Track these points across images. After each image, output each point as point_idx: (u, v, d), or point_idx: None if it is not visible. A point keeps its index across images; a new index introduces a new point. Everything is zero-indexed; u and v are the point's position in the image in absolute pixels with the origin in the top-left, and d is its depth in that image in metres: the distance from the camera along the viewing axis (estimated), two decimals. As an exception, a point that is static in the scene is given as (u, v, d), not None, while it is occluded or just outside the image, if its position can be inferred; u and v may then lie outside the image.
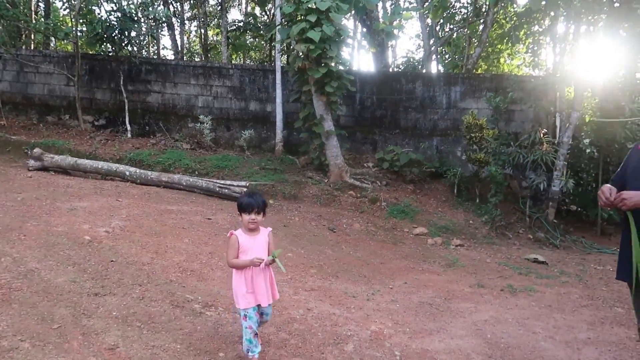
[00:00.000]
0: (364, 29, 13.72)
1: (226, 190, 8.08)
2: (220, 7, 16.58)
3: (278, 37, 10.38)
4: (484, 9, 14.91)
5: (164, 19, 12.93)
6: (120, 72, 11.46)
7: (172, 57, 16.74)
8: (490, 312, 4.62)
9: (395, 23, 12.65)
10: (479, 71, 16.41)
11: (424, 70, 15.38)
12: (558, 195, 9.27)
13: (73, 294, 3.66)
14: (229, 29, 16.47)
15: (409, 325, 4.15)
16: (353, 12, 11.33)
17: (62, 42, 16.28)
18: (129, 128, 11.40)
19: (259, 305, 3.12)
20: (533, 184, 9.22)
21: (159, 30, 15.50)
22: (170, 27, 16.33)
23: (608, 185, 2.58)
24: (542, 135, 9.24)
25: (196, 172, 9.45)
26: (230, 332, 3.53)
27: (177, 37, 17.37)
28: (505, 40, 15.43)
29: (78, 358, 2.85)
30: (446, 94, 11.32)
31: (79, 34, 11.95)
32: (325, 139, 9.64)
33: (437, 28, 17.23)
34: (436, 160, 10.86)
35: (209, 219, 6.57)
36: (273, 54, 15.47)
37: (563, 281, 5.97)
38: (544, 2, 9.66)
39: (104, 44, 11.51)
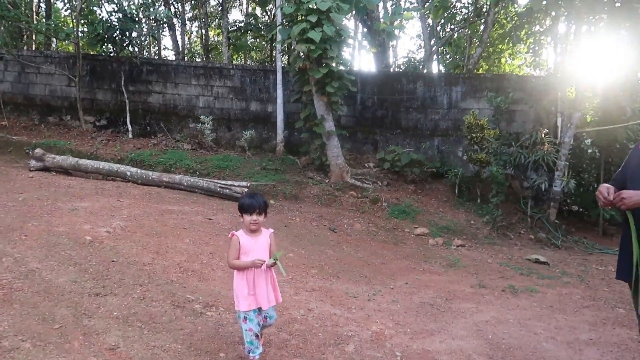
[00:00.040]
0: (365, 29, 13.72)
1: (227, 191, 8.08)
2: (221, 7, 16.61)
3: (279, 37, 10.38)
4: (484, 9, 14.91)
5: (164, 19, 12.93)
6: (121, 72, 11.47)
7: (173, 58, 16.75)
8: (492, 312, 4.62)
9: (396, 23, 12.64)
10: (480, 71, 16.42)
11: (425, 71, 15.36)
12: (559, 196, 9.26)
13: (74, 294, 3.66)
14: (230, 30, 16.47)
15: (410, 325, 4.14)
16: (354, 12, 11.34)
17: (64, 43, 16.30)
18: (130, 128, 11.41)
19: (260, 308, 3.08)
20: (534, 184, 9.21)
21: (160, 31, 15.50)
22: (171, 28, 16.35)
23: (606, 184, 2.58)
24: (543, 135, 9.23)
25: (197, 173, 9.45)
26: (231, 332, 3.52)
27: (178, 38, 17.39)
28: (506, 40, 15.42)
29: (79, 358, 2.85)
30: (447, 94, 11.31)
31: (80, 34, 11.96)
32: (326, 139, 9.64)
33: (438, 28, 17.23)
34: (437, 161, 10.85)
35: (209, 219, 6.57)
36: (274, 54, 15.48)
37: (565, 282, 5.96)
38: (545, 2, 9.65)
39: (105, 44, 11.52)
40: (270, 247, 3.15)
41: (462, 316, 4.48)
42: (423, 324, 4.22)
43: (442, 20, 16.46)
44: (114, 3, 11.43)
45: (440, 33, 17.36)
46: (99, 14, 12.37)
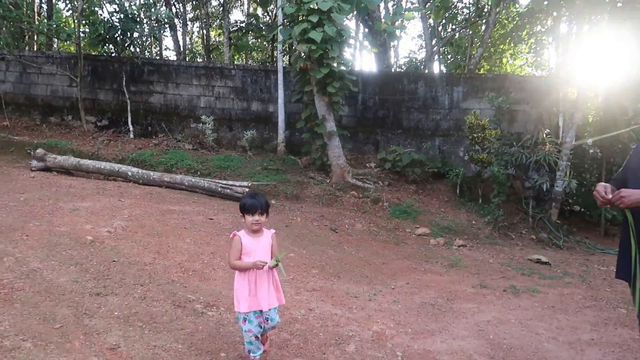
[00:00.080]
0: (366, 30, 13.72)
1: (228, 191, 8.08)
2: (222, 8, 16.62)
3: (280, 37, 10.38)
4: (486, 9, 14.91)
5: (166, 19, 12.94)
6: (122, 72, 11.49)
7: (175, 58, 16.76)
8: (493, 312, 4.61)
9: (397, 23, 12.62)
10: (482, 71, 16.40)
11: (426, 71, 15.36)
12: (561, 196, 9.24)
13: (75, 293, 3.66)
14: (231, 30, 16.49)
15: (411, 325, 4.13)
16: (355, 12, 11.34)
17: (65, 43, 16.31)
18: (131, 128, 11.42)
19: (260, 310, 3.04)
20: (536, 185, 9.19)
21: (162, 31, 15.51)
22: (173, 28, 16.36)
23: (602, 183, 2.58)
24: (544, 135, 9.22)
25: (198, 173, 9.45)
26: (232, 332, 3.52)
27: (180, 38, 17.41)
28: (507, 41, 15.41)
29: (80, 358, 2.85)
30: (448, 94, 11.31)
31: (81, 35, 11.99)
32: (327, 139, 9.64)
33: (439, 28, 17.22)
34: (438, 161, 10.85)
35: (211, 219, 6.57)
36: (275, 54, 15.49)
37: (566, 282, 5.95)
38: (546, 2, 9.65)
39: (107, 45, 11.54)
40: (272, 248, 3.12)
41: (463, 316, 4.47)
42: (424, 324, 4.21)
43: (444, 21, 16.46)
44: (116, 3, 11.45)
45: (442, 33, 17.36)
46: (101, 15, 12.39)
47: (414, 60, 20.02)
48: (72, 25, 14.65)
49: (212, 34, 20.18)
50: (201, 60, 18.73)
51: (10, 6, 10.66)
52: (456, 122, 11.14)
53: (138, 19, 11.42)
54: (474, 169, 10.13)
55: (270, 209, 3.24)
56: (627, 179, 2.62)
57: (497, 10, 13.37)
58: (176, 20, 16.72)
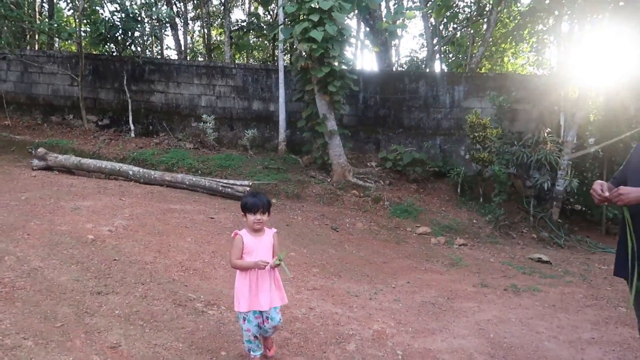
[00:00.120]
0: (367, 29, 13.71)
1: (229, 190, 8.09)
2: (223, 7, 16.62)
3: (281, 36, 10.39)
4: (487, 8, 14.88)
5: (167, 19, 12.95)
6: (123, 72, 11.49)
7: (176, 57, 16.77)
8: (494, 311, 4.61)
9: (398, 22, 12.62)
10: (483, 70, 16.39)
11: (428, 70, 15.34)
12: (562, 195, 9.24)
13: (76, 292, 3.67)
14: (232, 29, 16.49)
15: (411, 324, 4.14)
16: (356, 11, 11.32)
17: (66, 43, 16.33)
18: (132, 128, 11.43)
19: (260, 311, 3.01)
20: (537, 184, 9.18)
21: (163, 31, 15.52)
22: (174, 27, 16.36)
23: (599, 181, 2.58)
24: (546, 134, 9.21)
25: (199, 172, 9.46)
26: (232, 330, 3.53)
27: (181, 37, 17.41)
28: (509, 39, 15.41)
29: (81, 356, 2.86)
30: (449, 93, 11.30)
31: (82, 34, 11.99)
32: (328, 138, 9.64)
33: (441, 27, 17.19)
34: (439, 160, 10.84)
35: (211, 218, 6.57)
36: (276, 53, 15.49)
37: (567, 281, 5.95)
38: (547, 1, 9.64)
39: (108, 44, 11.55)
40: (273, 247, 3.10)
41: (463, 315, 4.47)
42: (425, 323, 4.22)
43: (445, 20, 16.44)
44: (117, 3, 11.45)
45: (443, 32, 17.33)
46: (102, 14, 12.40)
47: (415, 59, 19.99)
48: (73, 25, 14.65)
49: (213, 33, 20.19)
50: (202, 59, 18.74)
51: (12, 5, 10.68)
52: (457, 121, 11.13)
53: (139, 18, 11.42)
54: (475, 168, 10.13)
55: (271, 208, 3.23)
56: (627, 177, 2.62)
57: (499, 9, 13.36)
58: (177, 20, 16.74)
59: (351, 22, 16.54)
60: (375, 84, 11.52)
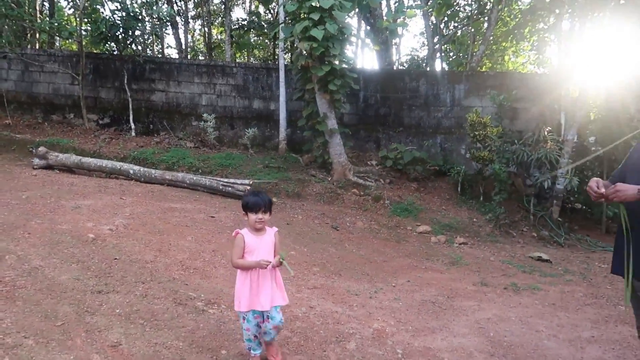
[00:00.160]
0: (368, 27, 13.70)
1: (230, 189, 8.09)
2: (224, 5, 16.61)
3: (281, 35, 10.38)
4: (488, 7, 14.86)
5: (167, 17, 12.95)
6: (124, 71, 11.50)
7: (176, 56, 16.78)
8: (494, 310, 4.61)
9: (399, 21, 12.61)
10: (483, 69, 16.37)
11: (428, 68, 15.33)
12: (562, 194, 9.23)
13: (76, 291, 3.68)
14: (232, 28, 16.48)
15: (411, 323, 4.14)
16: (356, 10, 11.31)
17: (67, 42, 16.34)
18: (133, 126, 11.44)
19: (260, 311, 3.00)
20: (537, 182, 9.18)
21: (163, 29, 15.52)
22: (174, 26, 16.36)
23: (595, 178, 2.60)
24: (546, 133, 9.21)
25: (200, 171, 9.47)
26: (233, 329, 3.53)
27: (181, 36, 17.41)
28: (509, 38, 15.39)
29: (81, 355, 2.87)
30: (450, 91, 11.29)
31: (83, 33, 11.99)
32: (329, 137, 9.65)
33: (441, 26, 17.17)
34: (440, 158, 10.84)
35: (212, 217, 6.58)
36: (277, 52, 15.48)
37: (567, 279, 5.95)
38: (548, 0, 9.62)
39: (108, 43, 11.56)
40: (275, 246, 3.09)
41: (463, 314, 4.48)
42: (425, 321, 4.22)
43: (445, 18, 16.41)
44: (117, 1, 11.44)
45: (444, 31, 17.31)
46: (102, 13, 12.40)
47: (415, 57, 19.99)
48: (74, 24, 14.66)
49: (214, 31, 20.18)
50: (203, 58, 18.74)
51: (12, 4, 10.68)
52: (458, 119, 11.13)
53: (140, 17, 11.42)
54: (475, 167, 10.13)
55: (272, 207, 3.22)
56: (626, 175, 2.63)
57: (499, 7, 13.34)
58: (178, 18, 16.73)
59: (352, 20, 16.55)
60: (375, 83, 11.51)
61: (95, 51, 12.75)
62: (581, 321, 4.42)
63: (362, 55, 20.19)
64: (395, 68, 15.54)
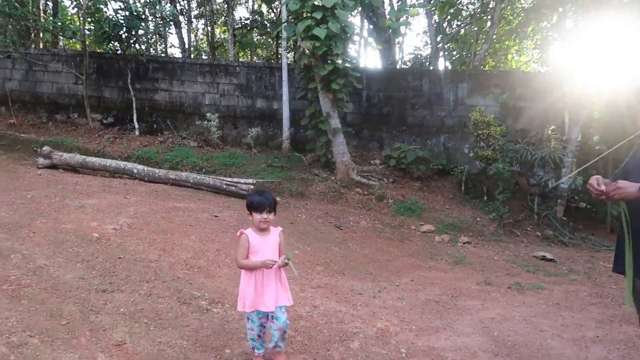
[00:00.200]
0: (371, 26, 13.68)
1: (233, 188, 8.10)
2: (227, 5, 16.61)
3: (284, 34, 10.38)
4: (491, 5, 14.82)
5: (171, 17, 12.95)
6: (127, 70, 11.52)
7: (180, 55, 16.79)
8: (498, 309, 4.61)
9: (401, 20, 12.58)
10: (487, 68, 16.32)
11: (431, 67, 15.31)
12: (567, 193, 9.20)
13: (81, 290, 3.69)
14: (235, 27, 16.49)
15: (415, 322, 4.14)
16: (359, 8, 11.31)
17: (70, 41, 16.38)
18: (136, 126, 11.46)
19: (264, 312, 2.98)
20: (541, 181, 9.15)
21: (166, 29, 15.53)
22: (178, 25, 16.38)
23: (595, 176, 2.58)
24: (550, 132, 9.17)
25: (203, 170, 9.48)
26: (237, 328, 3.54)
27: (184, 35, 17.45)
28: (512, 37, 15.33)
29: (86, 354, 2.88)
30: (453, 90, 11.27)
31: (86, 32, 12.02)
32: (332, 136, 9.64)
33: (444, 24, 17.14)
34: (443, 158, 10.82)
35: (216, 216, 6.59)
36: (279, 51, 15.46)
37: (571, 279, 5.93)
38: (552, -2, 9.58)
39: (112, 42, 11.57)
40: (280, 246, 3.07)
41: (467, 313, 4.47)
42: (428, 321, 4.22)
43: (448, 17, 16.39)
44: (121, 1, 11.46)
45: (447, 29, 17.28)
46: (106, 12, 12.43)
47: (418, 56, 19.97)
48: (78, 23, 14.73)
49: (217, 31, 20.19)
50: (206, 57, 18.74)
51: (16, 4, 10.71)
52: (461, 118, 11.11)
53: (143, 17, 11.43)
54: (478, 166, 10.10)
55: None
56: (628, 173, 2.62)
57: (502, 6, 13.29)
58: (181, 18, 16.75)
59: (354, 19, 16.53)
60: (378, 82, 11.50)
61: (98, 51, 12.78)
62: (586, 321, 4.40)
63: (364, 54, 20.21)
64: (398, 67, 15.51)
